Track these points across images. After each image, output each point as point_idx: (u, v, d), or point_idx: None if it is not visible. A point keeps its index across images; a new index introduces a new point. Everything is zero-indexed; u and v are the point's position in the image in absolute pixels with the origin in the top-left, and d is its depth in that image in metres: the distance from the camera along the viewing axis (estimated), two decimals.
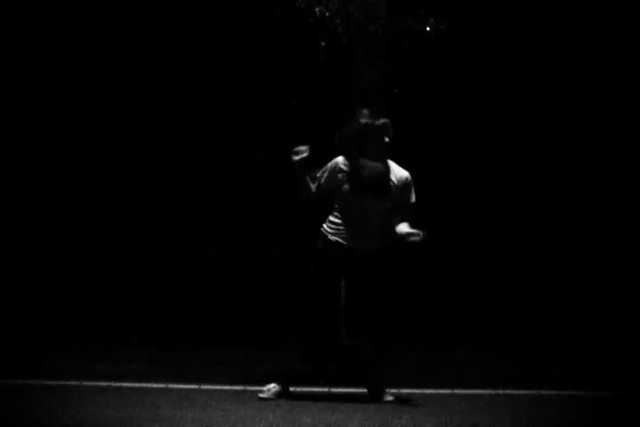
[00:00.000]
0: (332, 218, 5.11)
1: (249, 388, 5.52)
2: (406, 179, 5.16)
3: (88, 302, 8.86)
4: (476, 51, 9.04)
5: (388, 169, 5.10)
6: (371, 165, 5.05)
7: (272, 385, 5.12)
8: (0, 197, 8.99)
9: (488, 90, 9.20)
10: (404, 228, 5.01)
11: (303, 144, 5.10)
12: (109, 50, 9.13)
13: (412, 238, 4.93)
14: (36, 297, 8.81)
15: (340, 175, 5.06)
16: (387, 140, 5.14)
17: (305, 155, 5.06)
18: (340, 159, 5.11)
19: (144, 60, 9.18)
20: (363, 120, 5.20)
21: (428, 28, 8.22)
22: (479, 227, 8.97)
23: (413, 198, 5.19)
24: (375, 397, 5.05)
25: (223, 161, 9.22)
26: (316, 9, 8.63)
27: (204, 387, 5.61)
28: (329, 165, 5.12)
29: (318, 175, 5.12)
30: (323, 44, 8.84)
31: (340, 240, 5.04)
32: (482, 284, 8.87)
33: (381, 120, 5.20)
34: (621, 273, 8.75)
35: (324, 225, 5.13)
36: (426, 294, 8.68)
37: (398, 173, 5.15)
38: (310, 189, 5.12)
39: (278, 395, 5.07)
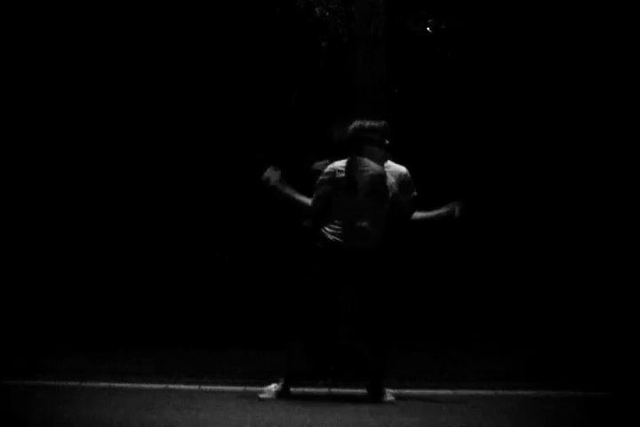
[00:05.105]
0: (331, 219, 5.11)
1: (249, 388, 5.52)
2: (405, 175, 5.18)
3: (88, 302, 8.87)
4: (475, 50, 9.05)
5: (384, 170, 5.10)
6: (369, 166, 5.04)
7: (272, 385, 5.12)
8: (1, 200, 9.00)
9: (487, 90, 9.21)
10: (432, 213, 5.24)
11: (270, 168, 5.11)
12: (110, 50, 9.15)
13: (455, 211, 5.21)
14: (36, 298, 8.83)
15: (337, 182, 5.05)
16: (387, 142, 5.18)
17: (277, 174, 5.08)
18: (335, 166, 5.09)
19: (146, 61, 9.19)
20: (363, 122, 5.21)
21: (428, 28, 8.24)
22: (479, 227, 8.97)
23: (415, 192, 5.22)
24: (375, 397, 5.05)
25: (224, 162, 9.24)
26: (316, 9, 8.64)
27: (204, 387, 5.61)
28: (325, 177, 5.09)
29: (317, 193, 5.11)
30: (323, 44, 8.86)
31: (339, 240, 5.03)
32: (482, 284, 8.89)
33: (381, 122, 5.22)
34: (620, 274, 8.76)
35: (325, 226, 5.12)
36: (426, 295, 8.68)
37: (396, 170, 5.17)
38: (305, 203, 5.11)
39: (278, 395, 5.06)
